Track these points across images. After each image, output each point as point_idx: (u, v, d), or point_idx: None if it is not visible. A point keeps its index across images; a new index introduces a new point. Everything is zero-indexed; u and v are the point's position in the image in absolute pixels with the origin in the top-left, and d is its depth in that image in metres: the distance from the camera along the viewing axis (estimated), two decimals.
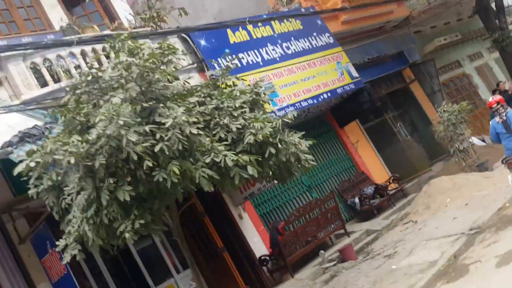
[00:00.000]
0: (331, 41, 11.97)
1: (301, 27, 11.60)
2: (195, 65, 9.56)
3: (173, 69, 5.65)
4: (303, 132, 6.40)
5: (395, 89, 14.47)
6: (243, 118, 5.34)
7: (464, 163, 11.06)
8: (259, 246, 9.52)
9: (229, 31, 10.19)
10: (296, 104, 10.29)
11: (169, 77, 5.28)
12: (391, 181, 11.92)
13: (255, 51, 10.41)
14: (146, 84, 5.05)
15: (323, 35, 11.88)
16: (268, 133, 5.23)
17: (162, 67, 5.35)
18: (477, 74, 17.35)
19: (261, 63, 10.33)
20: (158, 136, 4.55)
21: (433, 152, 13.93)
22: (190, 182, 4.70)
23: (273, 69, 10.41)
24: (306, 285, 8.26)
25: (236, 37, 10.27)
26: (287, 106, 10.10)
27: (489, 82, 17.12)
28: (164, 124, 4.62)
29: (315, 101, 10.70)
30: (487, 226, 6.99)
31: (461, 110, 10.99)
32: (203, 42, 9.71)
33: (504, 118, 7.10)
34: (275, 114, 9.75)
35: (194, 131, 4.66)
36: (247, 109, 5.53)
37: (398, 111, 14.44)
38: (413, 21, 14.91)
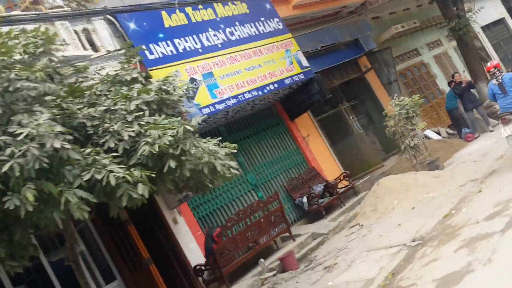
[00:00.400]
0: (280, 27, 11.14)
1: (247, 11, 10.71)
2: (123, 51, 8.54)
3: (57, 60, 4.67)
4: (220, 138, 5.56)
5: (350, 79, 13.80)
6: (139, 124, 4.45)
7: (415, 160, 10.50)
8: (195, 254, 8.72)
9: (164, 13, 9.22)
10: (239, 96, 9.46)
11: (38, 73, 4.29)
12: (341, 178, 11.27)
13: (194, 36, 9.47)
14: (6, 83, 4.09)
15: (271, 20, 11.04)
16: (168, 143, 4.37)
17: (42, 59, 4.38)
18: (435, 63, 16.88)
19: (200, 50, 9.41)
20: (8, 151, 3.63)
21: (388, 145, 13.42)
22: (59, 208, 3.81)
23: (214, 57, 9.51)
24: None
25: (173, 20, 9.30)
26: (228, 98, 9.27)
27: (448, 71, 16.67)
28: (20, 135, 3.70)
29: (260, 92, 9.88)
30: (429, 237, 6.41)
31: (413, 103, 10.36)
32: (132, 26, 8.68)
33: (500, 80, 7.98)
34: (214, 108, 8.96)
35: (58, 144, 3.75)
36: (146, 112, 4.64)
37: (353, 102, 13.79)
38: (371, 6, 14.19)
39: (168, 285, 8.85)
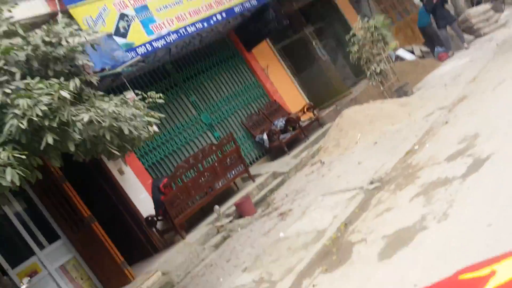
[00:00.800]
0: None
1: None
2: None
3: None
4: (122, 96, 4.66)
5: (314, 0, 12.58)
6: (4, 92, 3.52)
7: (382, 87, 9.71)
8: (147, 204, 8.11)
9: None
10: (181, 31, 8.39)
11: None
12: (305, 110, 10.52)
13: None
14: None
15: None
16: (41, 114, 3.46)
17: None
18: None
19: None
20: None
21: (359, 69, 12.50)
22: None
23: None
24: (193, 251, 7.07)
25: None
26: (168, 34, 8.21)
27: None
28: None
29: (205, 24, 8.79)
30: (388, 179, 5.82)
31: (378, 25, 9.37)
32: None
33: None
34: (152, 46, 7.93)
35: None
36: (17, 75, 3.68)
37: (319, 25, 12.70)
38: None
39: (123, 239, 8.37)
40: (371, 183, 6.03)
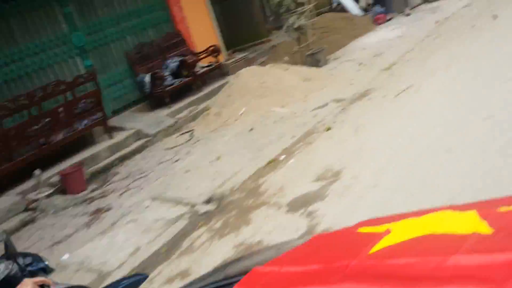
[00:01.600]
0: None
1: None
2: None
3: None
4: None
5: None
6: None
7: (297, 45, 7.76)
8: None
9: None
10: None
11: None
12: (209, 52, 8.52)
13: None
14: None
15: None
16: None
17: None
18: None
19: None
20: None
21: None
22: None
23: None
24: None
25: None
26: None
27: None
28: None
29: None
30: (226, 203, 4.28)
31: None
32: None
33: None
34: None
35: None
36: None
37: None
38: None
39: None
40: (208, 201, 4.43)
